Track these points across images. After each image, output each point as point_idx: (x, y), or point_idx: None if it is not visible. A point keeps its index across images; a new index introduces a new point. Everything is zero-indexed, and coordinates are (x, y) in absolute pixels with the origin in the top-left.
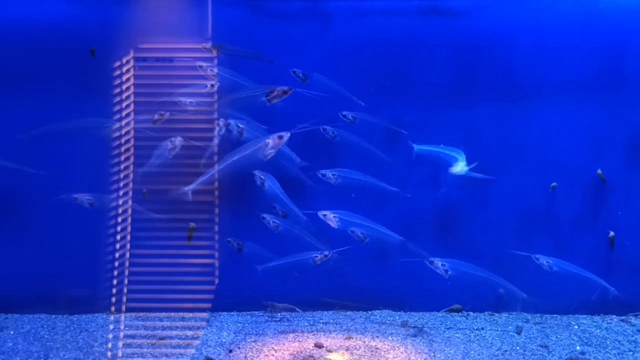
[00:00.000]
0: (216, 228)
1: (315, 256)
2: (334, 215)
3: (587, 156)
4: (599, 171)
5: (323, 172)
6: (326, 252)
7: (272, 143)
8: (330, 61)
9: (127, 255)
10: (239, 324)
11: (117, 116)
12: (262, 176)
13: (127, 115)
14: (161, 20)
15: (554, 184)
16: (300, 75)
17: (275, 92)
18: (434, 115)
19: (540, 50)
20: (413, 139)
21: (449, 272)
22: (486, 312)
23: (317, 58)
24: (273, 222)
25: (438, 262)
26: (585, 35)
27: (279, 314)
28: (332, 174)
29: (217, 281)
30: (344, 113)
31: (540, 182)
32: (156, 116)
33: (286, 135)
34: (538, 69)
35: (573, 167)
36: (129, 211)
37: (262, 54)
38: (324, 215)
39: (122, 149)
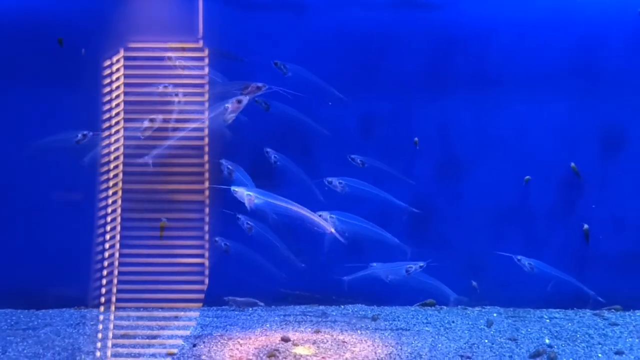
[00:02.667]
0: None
1: (410, 267)
2: (331, 215)
3: (561, 149)
4: (572, 164)
5: (329, 179)
6: (421, 263)
7: (231, 107)
8: (304, 53)
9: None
10: (207, 319)
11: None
12: (229, 166)
13: (116, 115)
14: (136, 14)
15: (527, 177)
16: (282, 67)
17: (250, 88)
18: (408, 107)
19: (515, 43)
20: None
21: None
22: (459, 306)
23: (291, 50)
24: (247, 224)
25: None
26: (560, 29)
27: (250, 309)
28: (339, 182)
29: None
30: (353, 156)
31: (514, 175)
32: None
33: (245, 99)
34: (512, 61)
35: (547, 160)
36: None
37: (232, 52)
38: (320, 215)
39: (111, 147)
